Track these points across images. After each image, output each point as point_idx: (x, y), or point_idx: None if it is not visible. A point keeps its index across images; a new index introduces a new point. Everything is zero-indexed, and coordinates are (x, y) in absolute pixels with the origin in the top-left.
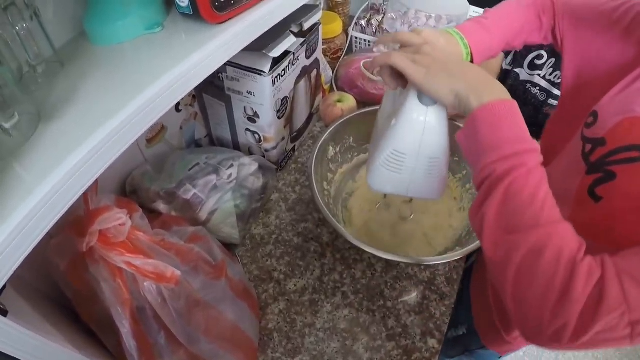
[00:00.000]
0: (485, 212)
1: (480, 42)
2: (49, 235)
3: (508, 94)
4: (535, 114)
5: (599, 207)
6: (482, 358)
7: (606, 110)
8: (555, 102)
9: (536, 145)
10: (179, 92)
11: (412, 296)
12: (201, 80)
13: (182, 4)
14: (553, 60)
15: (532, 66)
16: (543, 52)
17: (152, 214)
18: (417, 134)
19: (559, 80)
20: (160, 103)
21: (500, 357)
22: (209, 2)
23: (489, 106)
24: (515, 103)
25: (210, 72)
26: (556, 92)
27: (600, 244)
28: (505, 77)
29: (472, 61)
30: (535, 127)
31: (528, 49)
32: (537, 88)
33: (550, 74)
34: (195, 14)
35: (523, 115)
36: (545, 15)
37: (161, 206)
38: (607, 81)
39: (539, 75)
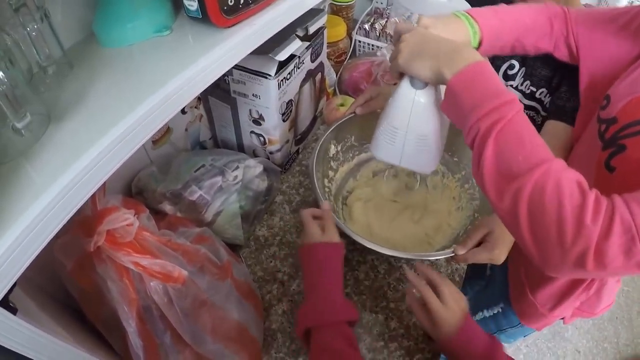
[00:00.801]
0: (483, 169)
1: (491, 26)
2: (55, 235)
3: (479, 56)
4: None
5: (614, 176)
6: (511, 337)
7: (617, 92)
8: (529, 112)
9: (512, 95)
10: (187, 96)
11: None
12: (209, 84)
13: (191, 8)
14: (523, 69)
15: (506, 76)
16: (514, 62)
17: (158, 215)
18: (406, 112)
19: (528, 90)
20: (168, 107)
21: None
22: (218, 6)
23: (461, 73)
24: (486, 62)
25: (218, 76)
26: (526, 102)
27: None
28: None
29: (480, 45)
30: None
31: (502, 58)
32: None
33: (522, 84)
34: (204, 17)
35: None
36: (557, 21)
37: (167, 207)
38: (619, 73)
39: (511, 85)
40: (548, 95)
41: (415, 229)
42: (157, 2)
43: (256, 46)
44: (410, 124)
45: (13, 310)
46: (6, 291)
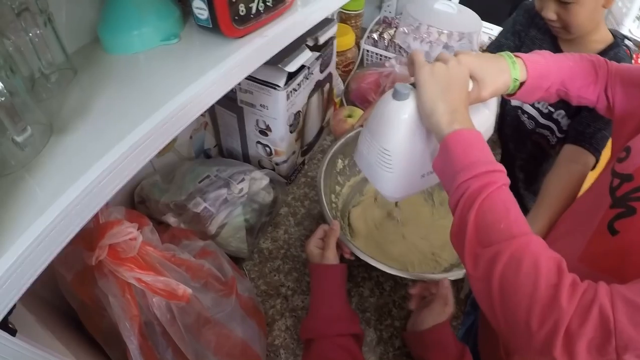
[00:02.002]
0: (465, 229)
1: (537, 62)
2: None
3: (475, 128)
4: (523, 141)
5: (614, 240)
6: None
7: (638, 147)
8: (544, 132)
9: (502, 167)
10: (195, 110)
11: None
12: (218, 98)
13: (201, 17)
14: None
15: None
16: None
17: (161, 225)
18: (376, 117)
19: (546, 110)
20: (176, 121)
21: None
22: (229, 15)
23: (459, 132)
24: (480, 134)
25: (228, 89)
26: (543, 121)
27: (607, 277)
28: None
29: (522, 83)
30: (524, 153)
31: None
32: (526, 115)
33: (539, 102)
34: (214, 27)
35: (513, 141)
36: (601, 70)
37: (171, 219)
38: None
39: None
40: (565, 117)
41: (422, 245)
42: (165, 9)
43: (267, 58)
44: (377, 132)
45: (12, 332)
46: (6, 312)
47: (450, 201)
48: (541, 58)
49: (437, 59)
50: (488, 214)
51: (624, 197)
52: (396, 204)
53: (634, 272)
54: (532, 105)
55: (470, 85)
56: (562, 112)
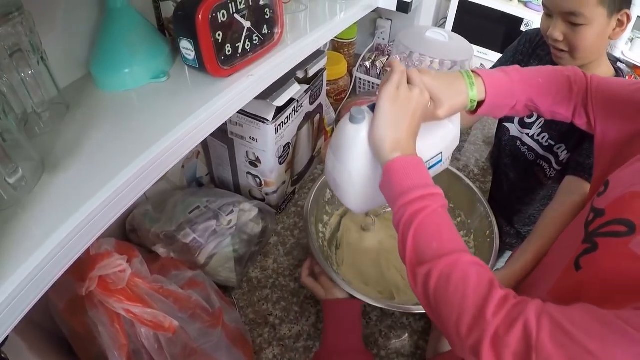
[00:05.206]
0: (405, 250)
1: (497, 81)
2: None
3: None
4: (525, 171)
5: (577, 275)
6: None
7: (616, 180)
8: (544, 164)
9: (439, 190)
10: (186, 147)
11: (406, 345)
12: (209, 134)
13: (188, 57)
14: (542, 120)
15: (522, 123)
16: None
17: (151, 254)
18: (336, 138)
19: (546, 143)
20: (167, 158)
21: None
22: (215, 56)
23: (399, 159)
24: (421, 161)
25: (218, 125)
26: (542, 152)
27: None
28: (497, 129)
29: (481, 103)
30: (521, 182)
31: None
32: (526, 147)
33: (539, 135)
34: (201, 67)
35: (514, 172)
36: (577, 85)
37: (160, 250)
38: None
39: (527, 134)
40: (565, 150)
41: (404, 272)
42: (154, 47)
43: (255, 95)
44: (337, 148)
45: None
46: None
47: (393, 223)
48: (504, 76)
49: (409, 76)
50: (423, 235)
51: (593, 232)
52: (367, 214)
53: None
54: (532, 137)
55: (429, 104)
56: (563, 145)
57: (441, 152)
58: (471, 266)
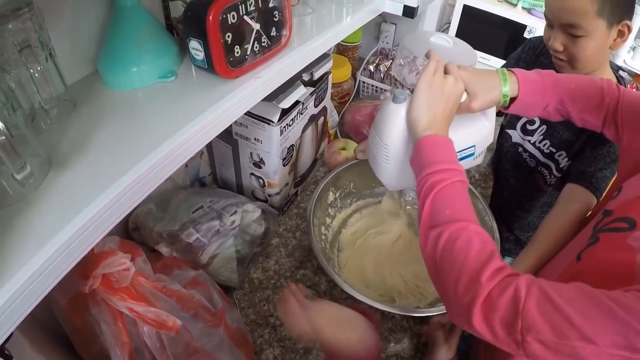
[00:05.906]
0: (421, 213)
1: (531, 81)
2: None
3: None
4: (526, 178)
5: (577, 266)
6: None
7: (628, 187)
8: (544, 171)
9: (462, 169)
10: (192, 148)
11: (406, 348)
12: (215, 135)
13: (197, 57)
14: (544, 127)
15: (525, 130)
16: (535, 117)
17: (153, 253)
18: (378, 117)
19: (547, 150)
20: (173, 160)
21: None
22: (224, 57)
23: (431, 136)
24: (451, 141)
25: (225, 127)
26: (543, 159)
27: None
28: (499, 135)
29: (513, 99)
30: (522, 188)
31: None
32: (527, 154)
33: (540, 142)
34: (209, 68)
35: (514, 178)
36: (609, 96)
37: (163, 249)
38: None
39: (529, 141)
40: (566, 158)
41: (407, 276)
42: (162, 47)
43: (262, 97)
44: (381, 129)
45: (8, 358)
46: (2, 341)
47: (416, 191)
48: (538, 77)
49: (447, 68)
50: (438, 202)
51: (599, 229)
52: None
53: None
54: (534, 144)
55: (464, 96)
56: (564, 153)
57: (474, 146)
58: (478, 235)
